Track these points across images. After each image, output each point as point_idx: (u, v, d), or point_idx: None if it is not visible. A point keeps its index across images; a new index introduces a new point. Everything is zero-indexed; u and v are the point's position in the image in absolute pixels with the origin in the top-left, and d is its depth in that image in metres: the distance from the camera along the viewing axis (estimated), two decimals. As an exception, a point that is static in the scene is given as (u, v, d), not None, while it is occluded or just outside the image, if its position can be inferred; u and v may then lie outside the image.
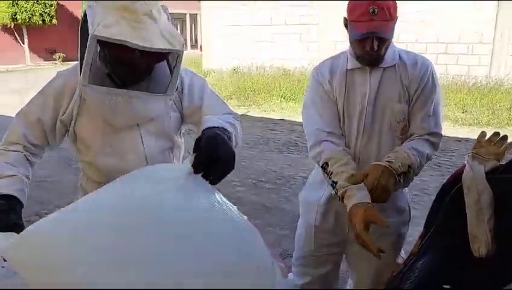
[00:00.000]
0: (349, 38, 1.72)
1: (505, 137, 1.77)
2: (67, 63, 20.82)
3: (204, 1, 13.60)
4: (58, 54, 21.28)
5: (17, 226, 1.31)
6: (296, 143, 6.60)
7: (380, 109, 1.75)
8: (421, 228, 1.75)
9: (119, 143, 1.55)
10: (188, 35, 27.95)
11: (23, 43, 20.75)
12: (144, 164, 1.55)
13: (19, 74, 17.36)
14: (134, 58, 1.31)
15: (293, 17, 11.47)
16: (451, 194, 1.72)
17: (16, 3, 19.01)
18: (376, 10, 1.58)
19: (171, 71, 1.46)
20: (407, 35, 8.96)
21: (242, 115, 8.55)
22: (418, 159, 1.66)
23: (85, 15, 1.36)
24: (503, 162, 1.70)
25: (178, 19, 26.43)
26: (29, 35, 20.76)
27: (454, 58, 9.84)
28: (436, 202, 1.85)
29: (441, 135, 1.80)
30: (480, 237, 1.57)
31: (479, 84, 9.00)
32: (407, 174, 1.64)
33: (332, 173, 1.65)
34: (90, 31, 1.28)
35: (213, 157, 1.17)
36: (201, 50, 16.35)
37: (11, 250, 1.08)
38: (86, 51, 1.31)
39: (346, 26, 1.73)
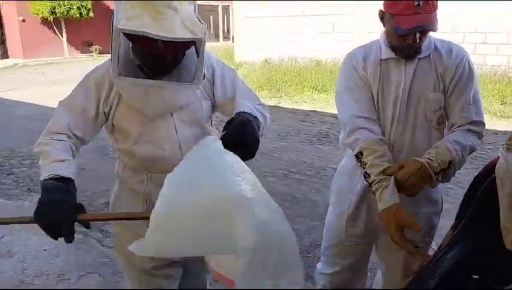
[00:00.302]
0: (388, 31, 1.70)
1: (542, 128, 1.73)
2: (104, 55, 21.34)
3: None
4: (95, 46, 21.79)
5: (81, 207, 1.37)
6: (327, 134, 6.57)
7: (414, 99, 1.72)
8: (453, 221, 1.74)
9: (154, 132, 1.60)
10: (220, 26, 28.05)
11: (62, 36, 21.36)
12: (178, 151, 1.61)
13: (58, 66, 17.93)
14: (158, 49, 1.34)
15: (325, 7, 11.32)
16: (484, 186, 1.69)
17: (55, -2, 19.58)
18: (421, 3, 1.54)
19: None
20: (443, 24, 8.71)
21: (273, 106, 8.57)
22: (460, 153, 1.62)
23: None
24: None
25: (211, 11, 26.57)
26: (67, 29, 21.33)
27: (493, 48, 9.49)
28: (468, 193, 1.82)
29: (484, 123, 1.75)
30: None
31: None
32: (447, 170, 1.61)
33: (366, 164, 1.64)
34: (114, 25, 1.33)
35: (240, 142, 1.25)
36: (233, 41, 16.41)
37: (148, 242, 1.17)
38: (112, 44, 1.37)
39: (382, 18, 1.71)
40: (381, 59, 1.74)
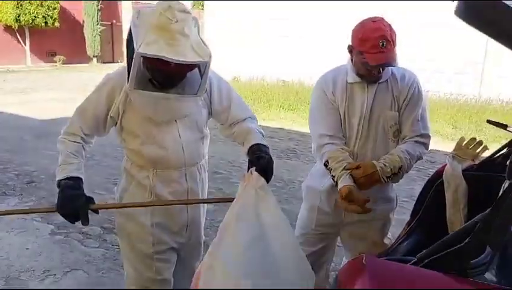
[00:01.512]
0: (356, 63, 1.99)
1: (480, 142, 2.13)
2: (67, 65, 21.10)
3: (207, 8, 13.99)
4: (59, 56, 21.48)
5: (91, 200, 1.73)
6: (295, 150, 6.93)
7: (375, 117, 2.04)
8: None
9: (160, 134, 1.87)
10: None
11: (25, 45, 20.96)
12: (180, 151, 1.89)
13: (20, 74, 17.56)
14: (170, 69, 1.63)
15: (294, 30, 11.87)
16: (434, 187, 2.07)
17: (20, 5, 19.22)
18: (385, 43, 1.84)
19: (201, 75, 1.78)
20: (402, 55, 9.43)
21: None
22: (409, 161, 1.97)
23: (130, 32, 1.69)
24: (477, 162, 2.05)
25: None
26: (30, 37, 20.97)
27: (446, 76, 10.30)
28: (421, 194, 2.20)
29: (429, 135, 2.09)
30: (456, 222, 1.92)
31: (469, 103, 9.42)
32: (397, 174, 1.97)
33: (331, 169, 1.98)
34: (135, 48, 1.60)
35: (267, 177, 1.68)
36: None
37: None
38: (132, 64, 1.63)
39: (350, 52, 2.02)
40: (347, 82, 2.06)
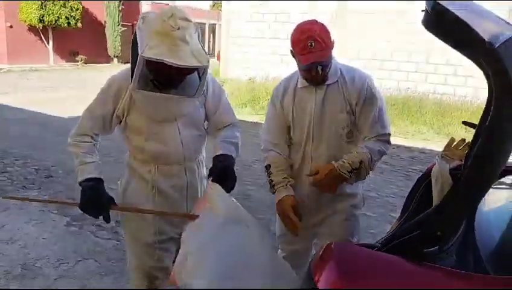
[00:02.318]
0: (297, 66, 2.08)
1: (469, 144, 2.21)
2: (88, 65, 21.57)
3: (225, 11, 14.17)
4: (80, 56, 21.98)
5: (112, 200, 1.90)
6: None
7: (325, 119, 2.10)
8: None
9: (162, 132, 2.01)
10: (206, 44, 28.63)
11: (48, 44, 21.52)
12: (180, 147, 2.03)
13: (43, 73, 18.07)
14: (171, 72, 1.77)
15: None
16: (424, 184, 2.16)
17: (44, 6, 19.77)
18: (313, 43, 1.91)
19: (200, 78, 1.92)
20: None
21: (255, 122, 9.02)
22: (369, 155, 2.03)
23: (135, 35, 1.84)
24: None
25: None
26: (54, 37, 21.51)
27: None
28: (411, 191, 2.29)
29: (389, 133, 2.14)
30: None
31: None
32: (359, 169, 2.03)
33: (272, 173, 2.17)
34: (139, 51, 1.74)
35: (225, 184, 1.83)
36: (218, 59, 16.91)
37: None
38: (136, 66, 1.78)
39: (293, 56, 2.07)
40: (296, 87, 2.16)
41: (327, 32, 1.98)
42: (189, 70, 1.82)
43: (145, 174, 2.09)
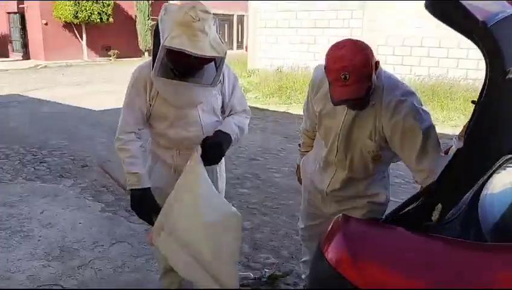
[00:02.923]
0: None
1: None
2: (121, 59, 22.07)
3: (252, 2, 14.21)
4: (113, 50, 22.50)
5: (155, 207, 2.09)
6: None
7: (353, 139, 1.94)
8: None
9: (185, 118, 2.13)
10: (234, 35, 28.72)
11: (82, 40, 22.14)
12: (201, 133, 2.15)
13: (78, 68, 18.66)
14: (190, 61, 1.88)
15: (336, 21, 11.86)
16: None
17: (78, 3, 20.35)
18: (348, 76, 1.61)
19: (217, 68, 2.03)
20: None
21: (283, 112, 9.09)
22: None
23: (157, 25, 1.95)
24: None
25: (225, 20, 27.23)
26: (87, 33, 22.11)
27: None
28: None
29: (439, 164, 1.55)
30: None
31: None
32: None
33: (301, 148, 2.46)
34: (161, 41, 1.85)
35: (209, 159, 2.04)
36: (246, 50, 16.98)
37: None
38: (158, 54, 1.89)
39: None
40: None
41: (367, 58, 1.66)
42: (208, 60, 1.93)
43: (168, 159, 2.22)
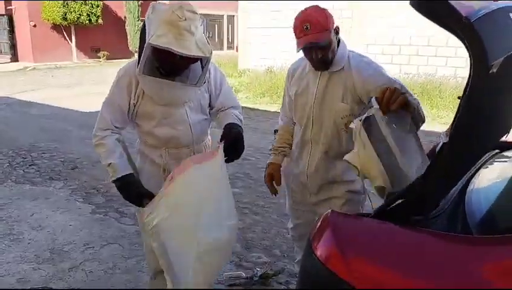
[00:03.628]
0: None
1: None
2: (111, 61, 21.93)
3: (242, 2, 14.21)
4: (102, 52, 22.36)
5: (149, 193, 1.99)
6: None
7: (326, 106, 2.11)
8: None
9: (171, 117, 2.12)
10: (224, 35, 28.68)
11: (71, 42, 21.98)
12: (189, 131, 2.16)
13: (67, 70, 18.52)
14: (175, 60, 1.88)
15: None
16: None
17: (67, 4, 20.18)
18: (309, 26, 1.91)
19: (202, 68, 2.03)
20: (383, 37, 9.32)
21: (274, 112, 9.09)
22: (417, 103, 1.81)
23: (144, 24, 1.94)
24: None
25: (216, 21, 27.20)
26: (76, 34, 21.96)
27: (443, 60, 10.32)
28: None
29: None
30: None
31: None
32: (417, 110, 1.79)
33: (275, 138, 2.46)
34: (146, 39, 1.85)
35: (236, 152, 2.02)
36: (237, 50, 16.98)
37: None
38: (143, 52, 1.89)
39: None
40: (304, 71, 2.20)
41: (325, 15, 1.96)
42: (193, 59, 1.93)
43: (156, 159, 2.21)
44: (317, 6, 2.00)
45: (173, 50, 1.81)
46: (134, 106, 2.10)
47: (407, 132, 1.68)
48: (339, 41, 2.08)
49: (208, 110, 2.25)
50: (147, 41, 1.85)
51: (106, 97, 2.13)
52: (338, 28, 2.04)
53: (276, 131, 2.48)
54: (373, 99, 1.71)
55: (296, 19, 2.00)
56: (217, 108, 2.25)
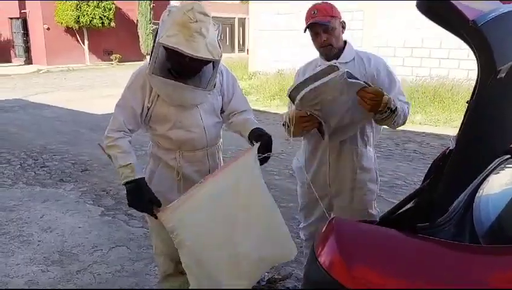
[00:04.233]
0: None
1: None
2: (123, 63, 22.13)
3: (252, 5, 14.23)
4: (115, 55, 22.59)
5: (154, 198, 1.98)
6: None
7: None
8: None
9: (185, 119, 2.12)
10: (236, 38, 28.73)
11: (84, 44, 22.22)
12: (203, 133, 2.15)
13: (80, 73, 18.73)
14: (185, 61, 1.88)
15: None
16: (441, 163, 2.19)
17: (79, 7, 20.42)
18: (316, 11, 2.22)
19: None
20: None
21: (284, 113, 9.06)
22: (400, 108, 2.10)
23: (159, 26, 1.95)
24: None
25: (227, 23, 27.26)
26: (89, 37, 22.19)
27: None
28: (427, 173, 2.32)
29: (408, 103, 2.28)
30: None
31: None
32: (393, 112, 2.05)
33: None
34: (157, 38, 1.86)
35: (269, 151, 1.99)
36: (248, 53, 16.99)
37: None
38: (153, 52, 1.90)
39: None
40: (316, 68, 2.26)
41: (332, 6, 2.26)
42: (203, 62, 1.93)
43: (170, 161, 2.19)
44: (327, 1, 2.29)
45: (181, 50, 1.82)
46: (148, 109, 2.10)
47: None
48: (345, 42, 2.34)
49: (219, 113, 2.25)
50: (157, 41, 1.86)
51: (120, 99, 2.13)
52: (344, 23, 2.30)
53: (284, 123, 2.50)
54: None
55: (308, 10, 2.29)
56: (229, 111, 2.25)
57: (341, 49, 2.31)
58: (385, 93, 2.03)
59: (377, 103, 1.98)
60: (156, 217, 1.94)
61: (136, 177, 2.01)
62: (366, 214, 2.38)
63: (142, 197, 1.98)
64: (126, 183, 2.01)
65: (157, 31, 1.96)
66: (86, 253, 3.36)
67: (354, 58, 2.31)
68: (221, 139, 2.34)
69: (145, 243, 3.51)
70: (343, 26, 2.30)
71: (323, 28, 2.22)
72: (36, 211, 4.15)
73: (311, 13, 2.24)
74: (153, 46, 1.96)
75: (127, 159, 2.03)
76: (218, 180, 1.87)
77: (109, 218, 4.02)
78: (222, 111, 2.26)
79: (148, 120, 2.16)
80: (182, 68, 1.96)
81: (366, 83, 2.01)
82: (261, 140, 1.97)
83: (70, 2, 20.14)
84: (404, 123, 2.25)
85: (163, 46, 1.88)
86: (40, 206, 4.27)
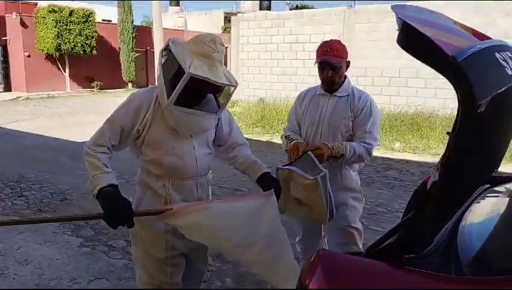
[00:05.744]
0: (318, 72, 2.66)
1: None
2: (104, 91, 22.04)
3: (234, 34, 14.47)
4: (96, 82, 22.49)
5: (129, 205, 1.91)
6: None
7: (334, 122, 2.66)
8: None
9: (179, 147, 2.12)
10: (217, 66, 29.01)
11: (64, 72, 22.09)
12: (194, 163, 2.15)
13: (60, 100, 18.54)
14: (206, 90, 1.98)
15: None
16: (422, 193, 2.21)
17: (61, 35, 20.38)
18: (328, 49, 2.52)
19: (216, 98, 2.13)
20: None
21: (266, 141, 9.13)
22: (352, 152, 2.54)
23: (169, 50, 1.96)
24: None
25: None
26: (70, 64, 22.10)
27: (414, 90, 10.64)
28: (409, 202, 2.34)
29: (373, 145, 2.63)
30: None
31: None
32: (339, 159, 2.55)
33: (292, 139, 2.75)
34: (185, 70, 1.86)
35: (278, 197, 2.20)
36: (230, 81, 17.16)
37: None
38: (180, 83, 1.88)
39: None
40: (315, 94, 2.77)
41: (343, 48, 2.57)
42: (219, 88, 2.04)
43: (159, 189, 2.16)
44: (339, 40, 2.61)
45: (211, 80, 1.88)
46: (140, 133, 2.07)
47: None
48: (345, 77, 2.69)
49: (212, 145, 2.26)
50: (186, 72, 1.85)
51: (111, 115, 2.10)
52: (349, 62, 2.65)
53: (288, 136, 2.80)
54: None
55: (321, 44, 2.60)
56: (228, 145, 2.34)
57: (340, 84, 2.64)
58: (329, 147, 2.49)
59: (321, 155, 2.46)
60: (133, 226, 1.91)
61: (112, 181, 1.92)
62: (349, 231, 2.70)
63: (124, 201, 1.88)
64: (106, 187, 1.89)
65: (166, 61, 2.01)
66: (64, 286, 3.26)
67: (348, 95, 2.64)
68: (210, 172, 2.33)
69: (126, 274, 3.42)
70: (347, 65, 2.62)
71: (331, 66, 2.53)
72: (12, 242, 4.01)
73: (324, 50, 2.52)
74: (164, 75, 1.99)
75: (109, 169, 1.98)
76: (233, 205, 2.17)
77: (88, 249, 3.91)
78: (219, 144, 2.30)
79: (140, 144, 2.13)
80: (198, 96, 2.01)
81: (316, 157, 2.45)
82: (276, 187, 2.19)
83: (52, 29, 20.10)
84: (368, 160, 2.69)
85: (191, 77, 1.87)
86: (17, 237, 4.13)
